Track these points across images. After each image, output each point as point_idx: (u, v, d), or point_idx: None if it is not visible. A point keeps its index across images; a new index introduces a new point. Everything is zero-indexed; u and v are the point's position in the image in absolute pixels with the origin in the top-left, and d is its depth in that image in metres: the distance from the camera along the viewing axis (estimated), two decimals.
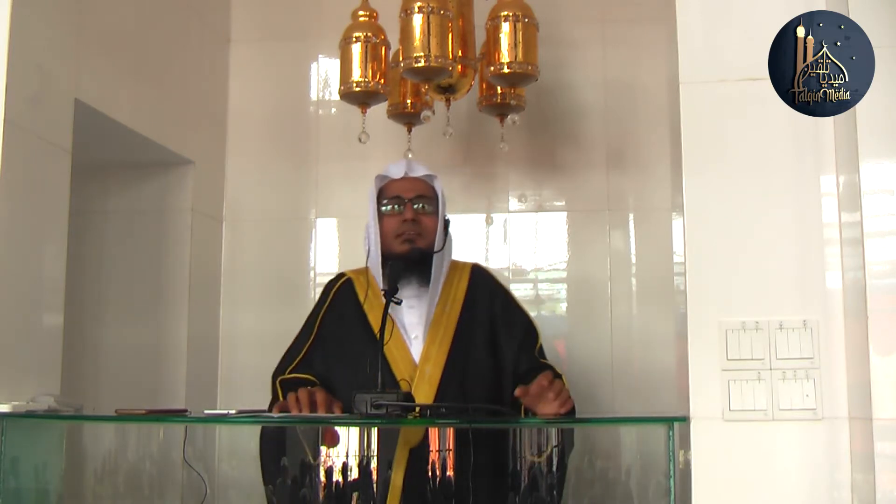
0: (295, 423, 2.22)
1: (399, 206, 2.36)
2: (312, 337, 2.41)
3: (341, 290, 2.46)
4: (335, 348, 2.37)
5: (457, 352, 2.33)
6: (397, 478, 2.15)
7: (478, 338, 2.36)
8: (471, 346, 2.35)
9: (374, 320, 2.35)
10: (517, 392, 2.07)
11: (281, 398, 2.25)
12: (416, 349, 2.33)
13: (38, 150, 2.25)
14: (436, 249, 2.34)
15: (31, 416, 2.05)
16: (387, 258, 2.33)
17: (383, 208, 2.37)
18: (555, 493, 2.15)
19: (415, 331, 2.34)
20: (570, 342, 3.21)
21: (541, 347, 2.41)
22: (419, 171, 2.40)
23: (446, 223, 2.40)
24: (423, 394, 2.26)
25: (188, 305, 3.10)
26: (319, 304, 2.48)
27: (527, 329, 2.42)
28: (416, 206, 2.35)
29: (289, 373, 2.36)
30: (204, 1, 3.29)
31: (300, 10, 3.40)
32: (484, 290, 2.44)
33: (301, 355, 2.39)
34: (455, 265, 2.46)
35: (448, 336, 2.34)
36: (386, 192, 2.39)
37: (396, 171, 2.40)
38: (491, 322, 2.39)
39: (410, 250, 2.32)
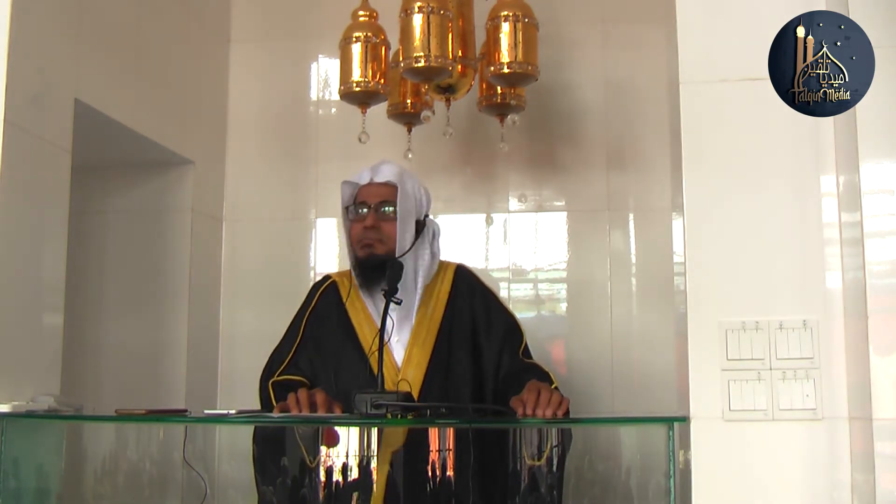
0: (295, 423, 2.22)
1: (363, 212, 2.36)
2: (298, 339, 2.42)
3: (326, 293, 2.46)
4: (318, 351, 2.38)
5: (438, 355, 2.32)
6: (381, 478, 2.15)
7: (459, 340, 2.36)
8: (452, 348, 2.34)
9: (357, 323, 2.37)
10: (518, 413, 2.05)
11: (274, 401, 2.25)
12: (399, 352, 2.33)
13: (38, 150, 2.25)
14: (398, 254, 2.31)
15: (31, 416, 2.05)
16: (355, 262, 2.37)
17: (350, 214, 2.39)
18: (554, 492, 2.15)
19: (397, 334, 2.33)
20: (570, 342, 3.21)
21: (526, 347, 2.40)
22: (382, 176, 2.39)
23: (420, 225, 2.39)
24: None
25: (188, 305, 3.10)
26: (304, 307, 2.48)
27: (509, 329, 2.40)
28: (380, 212, 2.35)
29: (278, 375, 2.36)
30: (204, 1, 3.29)
31: (300, 10, 3.40)
32: (466, 291, 2.43)
33: (289, 358, 2.40)
34: (441, 266, 2.45)
35: (430, 339, 2.34)
36: (357, 197, 2.41)
37: (363, 177, 2.41)
38: (472, 323, 2.38)
39: (368, 256, 2.33)
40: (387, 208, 2.35)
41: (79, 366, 2.88)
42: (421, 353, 2.32)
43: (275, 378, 2.36)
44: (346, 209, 2.41)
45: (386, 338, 2.25)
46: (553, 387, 2.19)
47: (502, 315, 2.44)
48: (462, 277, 2.47)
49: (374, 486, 2.15)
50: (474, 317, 2.40)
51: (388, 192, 2.37)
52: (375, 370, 2.22)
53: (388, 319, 2.19)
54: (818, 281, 1.81)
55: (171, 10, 3.05)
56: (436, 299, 2.40)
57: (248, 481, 2.61)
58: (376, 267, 2.30)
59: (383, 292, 2.22)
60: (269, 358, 2.44)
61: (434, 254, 2.43)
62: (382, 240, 2.33)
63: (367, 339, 2.33)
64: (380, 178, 2.38)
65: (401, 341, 2.33)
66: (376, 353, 2.23)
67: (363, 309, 2.37)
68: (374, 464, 2.17)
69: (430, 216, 2.47)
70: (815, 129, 1.83)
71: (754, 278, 1.83)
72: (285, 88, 3.43)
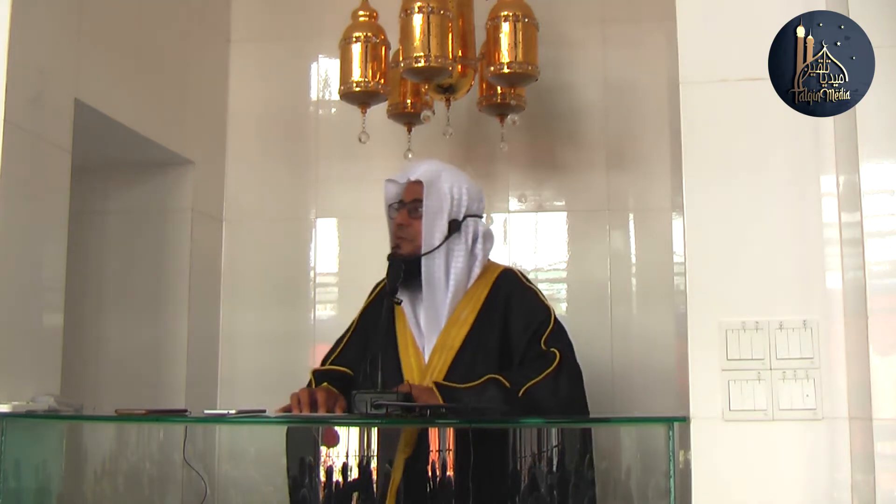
0: (294, 424, 2.23)
1: (398, 211, 2.35)
2: (351, 331, 2.44)
3: (383, 289, 2.42)
4: (365, 345, 2.36)
5: (459, 361, 2.27)
6: (396, 478, 2.15)
7: (485, 347, 2.28)
8: (477, 355, 2.27)
9: (398, 321, 2.35)
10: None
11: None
12: (427, 356, 2.30)
13: (38, 150, 2.25)
14: (423, 252, 2.28)
15: (31, 416, 2.05)
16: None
17: (390, 212, 2.38)
18: (554, 494, 2.14)
19: (428, 336, 2.30)
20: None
21: (550, 334, 2.26)
22: (415, 174, 2.36)
23: (455, 224, 2.32)
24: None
25: (188, 305, 3.10)
26: (366, 301, 2.50)
27: (539, 325, 2.28)
28: (413, 209, 2.33)
29: (329, 364, 2.40)
30: (204, 1, 3.29)
31: (300, 10, 3.40)
32: (503, 296, 2.33)
33: (340, 348, 2.43)
34: (487, 268, 2.38)
35: (456, 344, 2.28)
36: (400, 196, 2.39)
37: (402, 175, 2.39)
38: (504, 328, 2.29)
39: (394, 254, 2.32)
40: (417, 206, 2.32)
41: (79, 366, 2.88)
42: (443, 358, 2.28)
43: (320, 367, 2.40)
44: (389, 207, 2.39)
45: (418, 338, 2.29)
46: (534, 382, 2.13)
47: (536, 314, 2.31)
48: (504, 281, 2.36)
49: (375, 486, 2.15)
50: (507, 321, 2.30)
51: (420, 190, 2.34)
52: (403, 370, 2.26)
53: (424, 319, 2.25)
54: (818, 281, 1.81)
55: (171, 10, 3.05)
56: (472, 304, 2.32)
57: (248, 481, 2.62)
58: (405, 265, 2.29)
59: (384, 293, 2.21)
60: (331, 347, 2.48)
61: (475, 255, 2.35)
62: (410, 238, 2.31)
63: (402, 337, 2.32)
64: (414, 176, 2.35)
65: (429, 345, 2.30)
66: (407, 355, 2.29)
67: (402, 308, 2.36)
68: (373, 463, 2.17)
69: (479, 217, 2.39)
70: (815, 129, 1.83)
71: (754, 278, 1.83)
72: (285, 88, 3.43)
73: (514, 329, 2.29)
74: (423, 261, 2.28)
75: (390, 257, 2.32)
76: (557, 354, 2.20)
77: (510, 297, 2.33)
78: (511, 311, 2.31)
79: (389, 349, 2.30)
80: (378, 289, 2.48)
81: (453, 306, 2.31)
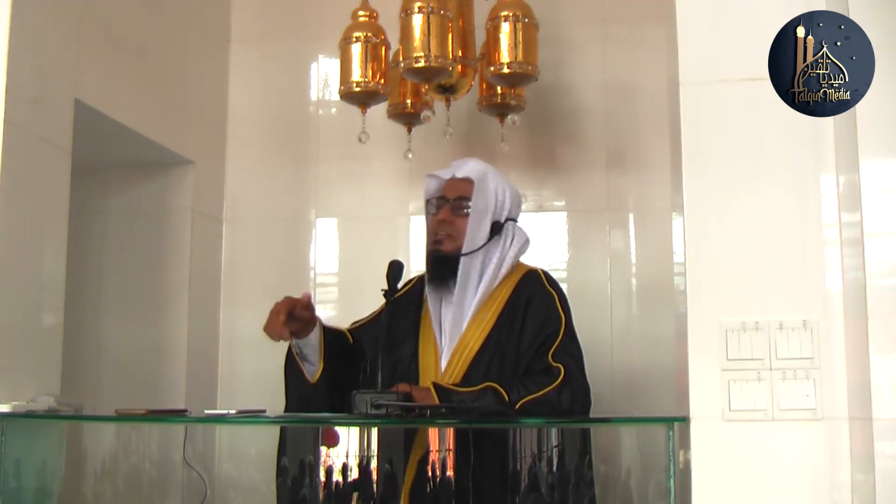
0: (294, 424, 2.23)
1: (440, 207, 2.34)
2: (373, 316, 2.41)
3: (418, 285, 2.44)
4: (388, 334, 2.27)
5: (477, 365, 2.25)
6: (409, 478, 2.14)
7: (503, 350, 2.26)
8: (494, 359, 2.25)
9: (424, 319, 2.35)
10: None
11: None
12: (445, 360, 2.28)
13: (38, 150, 2.25)
14: (463, 251, 2.26)
15: (31, 416, 2.05)
16: (426, 257, 2.35)
17: (430, 207, 2.37)
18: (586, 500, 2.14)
19: (449, 339, 2.29)
20: None
21: (557, 348, 2.22)
22: (463, 171, 2.35)
23: (497, 226, 2.31)
24: None
25: (188, 305, 3.10)
26: (403, 289, 2.40)
27: (547, 338, 2.24)
28: (456, 207, 2.31)
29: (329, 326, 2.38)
30: (204, 1, 3.29)
31: (300, 10, 3.40)
32: (523, 299, 2.29)
33: (353, 325, 2.43)
34: (515, 269, 2.36)
35: (474, 349, 2.27)
36: (440, 192, 2.38)
37: (447, 172, 2.38)
38: (521, 332, 2.26)
39: (433, 252, 2.31)
40: (462, 204, 2.31)
41: (79, 366, 2.88)
42: (461, 361, 2.26)
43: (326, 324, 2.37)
44: (427, 202, 2.38)
45: (438, 341, 2.28)
46: (533, 397, 2.11)
47: (549, 323, 2.26)
48: (527, 282, 2.33)
49: (403, 485, 2.14)
50: (524, 326, 2.27)
51: (466, 188, 2.33)
52: (420, 373, 2.26)
53: (445, 322, 2.25)
54: (818, 281, 1.81)
55: (172, 11, 3.05)
56: (495, 306, 2.30)
57: (248, 481, 2.61)
58: (441, 263, 2.29)
59: (383, 292, 2.21)
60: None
61: (504, 258, 2.33)
62: (452, 235, 2.30)
63: (425, 338, 2.32)
64: (461, 174, 2.35)
65: (449, 348, 2.28)
66: (425, 356, 2.28)
67: (432, 304, 2.34)
68: (373, 463, 2.17)
69: (516, 222, 2.39)
70: (815, 129, 1.83)
71: (754, 278, 1.83)
72: (285, 88, 3.43)
73: (526, 335, 2.26)
74: (462, 260, 2.27)
75: (430, 255, 2.31)
76: (562, 371, 2.16)
77: (530, 299, 2.30)
78: (527, 315, 2.28)
79: (411, 351, 2.30)
80: (415, 281, 2.44)
81: (477, 308, 2.30)
